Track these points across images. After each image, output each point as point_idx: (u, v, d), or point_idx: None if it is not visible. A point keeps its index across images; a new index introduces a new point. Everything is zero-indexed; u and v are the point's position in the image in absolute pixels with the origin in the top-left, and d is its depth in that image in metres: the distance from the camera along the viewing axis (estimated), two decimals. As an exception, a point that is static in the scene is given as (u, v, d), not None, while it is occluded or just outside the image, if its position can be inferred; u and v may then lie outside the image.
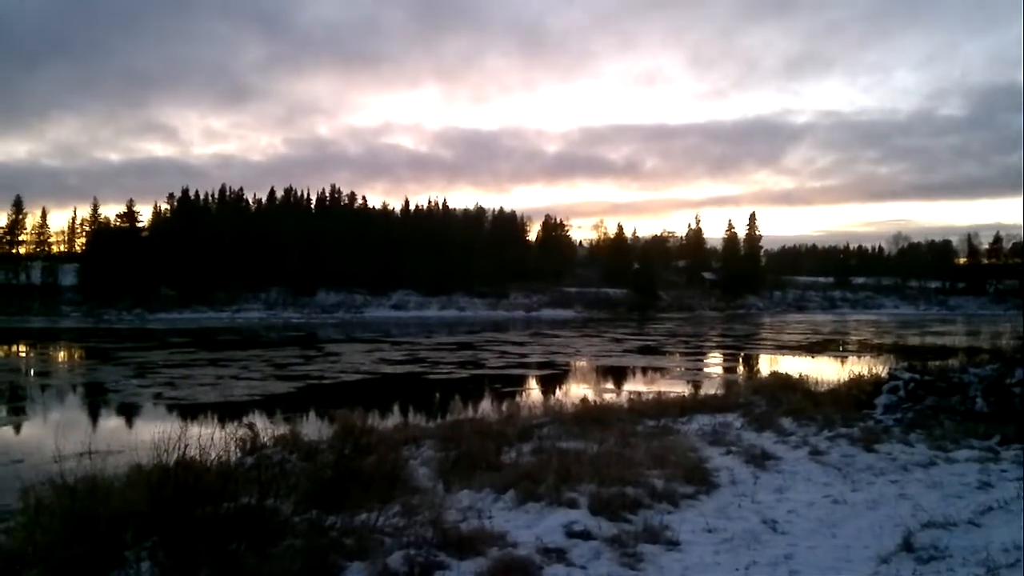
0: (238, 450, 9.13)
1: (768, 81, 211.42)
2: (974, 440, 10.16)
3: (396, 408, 18.73)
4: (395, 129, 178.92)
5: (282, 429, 11.56)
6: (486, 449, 8.91)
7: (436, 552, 5.56)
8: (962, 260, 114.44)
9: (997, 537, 5.72)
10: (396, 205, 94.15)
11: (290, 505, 6.63)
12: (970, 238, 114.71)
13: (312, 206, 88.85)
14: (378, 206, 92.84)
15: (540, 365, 31.00)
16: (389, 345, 39.55)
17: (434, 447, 9.68)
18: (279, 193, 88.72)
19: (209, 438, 8.54)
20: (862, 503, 7.29)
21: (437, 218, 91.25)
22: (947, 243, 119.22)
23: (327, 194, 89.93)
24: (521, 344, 41.10)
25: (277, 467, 8.32)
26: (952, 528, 6.08)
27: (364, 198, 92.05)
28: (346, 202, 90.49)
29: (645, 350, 38.19)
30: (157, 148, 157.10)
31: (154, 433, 7.03)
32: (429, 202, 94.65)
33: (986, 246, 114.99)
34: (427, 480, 8.07)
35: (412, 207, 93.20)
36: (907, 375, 13.20)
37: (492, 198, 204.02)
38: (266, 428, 11.33)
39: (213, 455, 8.06)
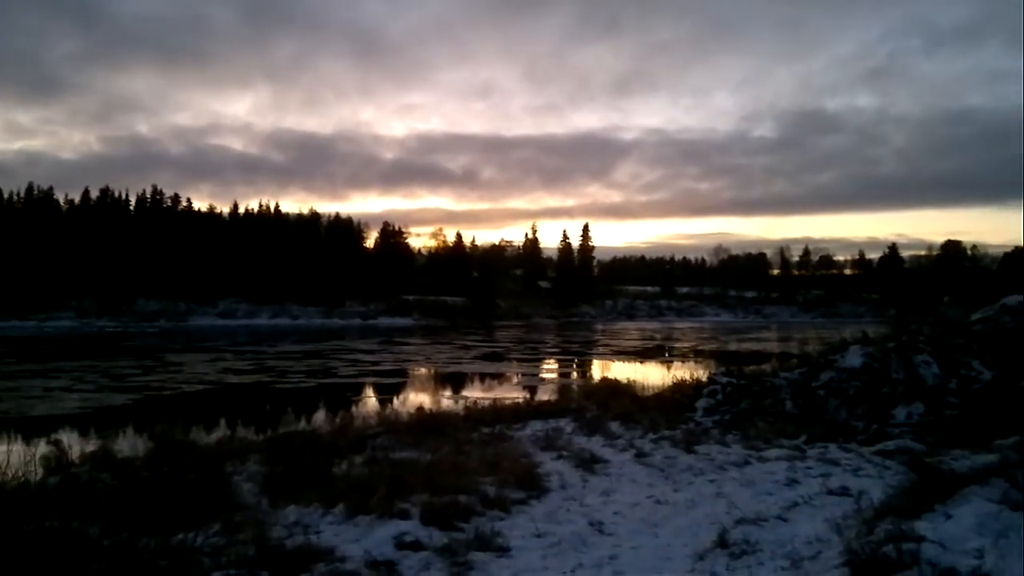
0: (41, 469, 8.42)
1: (599, 98, 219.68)
2: (784, 440, 10.87)
3: (227, 421, 17.87)
4: (223, 130, 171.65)
5: (94, 445, 10.78)
6: (316, 462, 8.65)
7: (258, 571, 5.34)
8: (775, 272, 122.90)
9: (801, 531, 6.12)
10: (224, 209, 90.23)
11: (98, 527, 6.17)
12: (783, 251, 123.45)
13: (132, 208, 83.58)
14: (204, 209, 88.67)
15: (390, 373, 30.67)
16: (232, 354, 37.87)
17: (261, 461, 9.28)
18: (94, 193, 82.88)
19: (5, 456, 7.85)
20: (682, 502, 7.63)
21: (268, 223, 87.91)
22: (762, 255, 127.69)
23: (148, 196, 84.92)
24: (371, 352, 40.48)
25: (86, 487, 7.75)
26: (763, 523, 6.46)
27: (189, 201, 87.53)
28: (169, 204, 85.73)
29: (491, 357, 38.60)
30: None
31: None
32: (260, 206, 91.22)
33: (796, 259, 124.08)
34: (252, 496, 7.73)
35: (242, 211, 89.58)
36: (725, 379, 13.96)
37: (327, 204, 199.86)
38: (75, 444, 10.52)
39: (10, 475, 7.43)
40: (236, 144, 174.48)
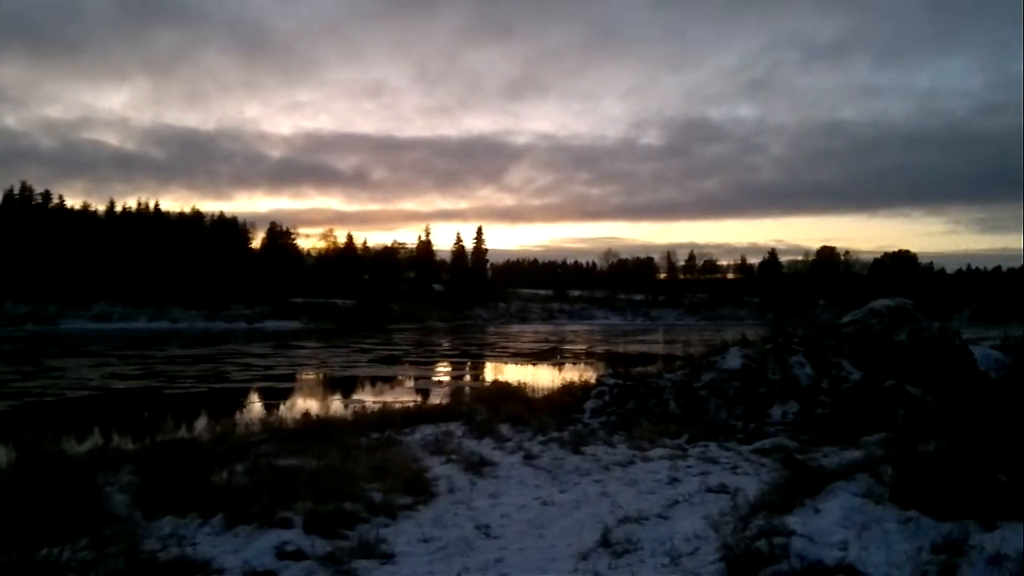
0: None
1: (491, 102, 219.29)
2: (667, 439, 11.17)
3: (105, 428, 17.10)
4: (97, 124, 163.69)
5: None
6: (194, 471, 8.32)
7: (128, 587, 5.09)
8: (663, 275, 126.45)
9: (681, 528, 6.30)
10: (100, 207, 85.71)
11: (-50, 547, 5.75)
12: (669, 256, 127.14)
13: (-4, 206, 78.50)
14: (78, 207, 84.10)
15: (284, 377, 29.99)
16: (118, 359, 36.07)
17: (135, 471, 8.87)
18: (-43, 189, 77.47)
19: None
20: (568, 503, 7.72)
21: (148, 222, 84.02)
22: (650, 260, 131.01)
23: (16, 192, 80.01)
24: (264, 356, 39.34)
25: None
26: (644, 522, 6.61)
27: (61, 198, 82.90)
28: (39, 202, 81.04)
29: (387, 360, 38.20)
30: None
31: None
32: (139, 204, 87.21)
33: (682, 263, 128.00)
34: (124, 508, 7.36)
35: (119, 209, 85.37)
36: (612, 381, 14.24)
37: (211, 203, 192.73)
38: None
39: None
40: (112, 139, 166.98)
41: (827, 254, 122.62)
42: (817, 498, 6.01)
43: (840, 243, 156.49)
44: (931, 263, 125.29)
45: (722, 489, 7.82)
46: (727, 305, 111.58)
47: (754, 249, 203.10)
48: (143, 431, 15.92)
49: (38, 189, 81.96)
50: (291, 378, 30.15)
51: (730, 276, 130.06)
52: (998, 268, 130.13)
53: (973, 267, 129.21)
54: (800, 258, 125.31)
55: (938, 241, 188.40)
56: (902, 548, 4.87)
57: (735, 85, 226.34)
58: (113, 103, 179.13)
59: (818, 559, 4.76)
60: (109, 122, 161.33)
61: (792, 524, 5.44)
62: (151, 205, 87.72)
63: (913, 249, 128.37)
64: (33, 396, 22.47)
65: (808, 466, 6.87)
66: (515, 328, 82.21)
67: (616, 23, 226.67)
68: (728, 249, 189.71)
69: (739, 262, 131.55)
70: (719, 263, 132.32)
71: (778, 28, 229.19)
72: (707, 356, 14.70)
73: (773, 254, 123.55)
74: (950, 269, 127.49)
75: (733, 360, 13.72)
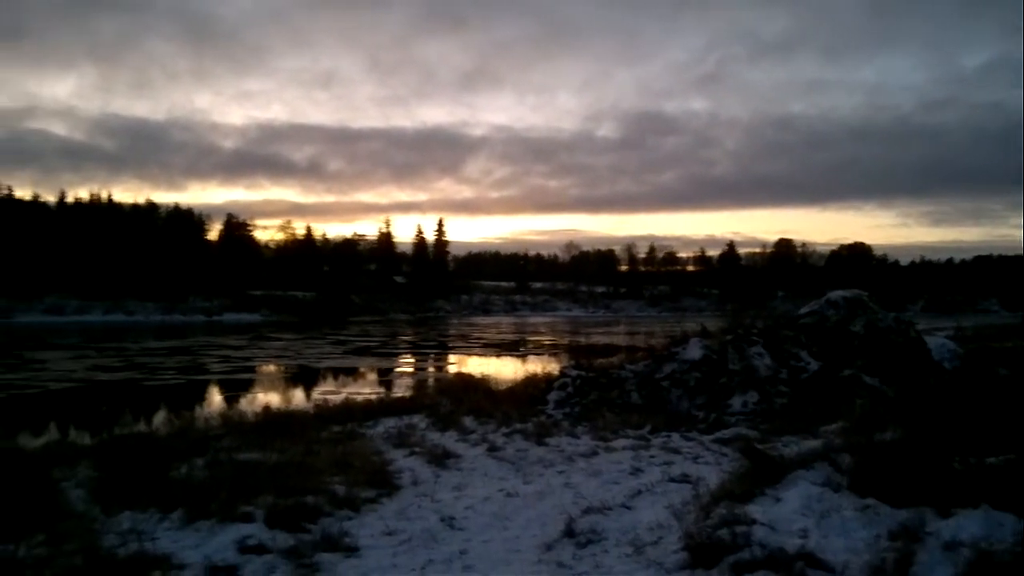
0: None
1: (446, 92, 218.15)
2: (630, 430, 11.24)
3: (65, 422, 16.91)
4: (42, 113, 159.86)
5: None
6: (153, 465, 8.19)
7: (86, 584, 5.00)
8: (624, 268, 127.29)
9: (644, 518, 6.36)
10: (51, 198, 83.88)
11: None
12: (630, 248, 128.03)
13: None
14: (28, 198, 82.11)
15: (260, 369, 30.25)
16: (96, 352, 35.63)
17: (92, 466, 8.71)
18: None
19: None
20: (532, 494, 7.74)
21: (101, 213, 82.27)
22: (611, 252, 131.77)
23: (-40, 184, 77.87)
24: (241, 348, 39.32)
25: None
26: (608, 512, 6.66)
27: (10, 189, 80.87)
28: (-14, 193, 79.03)
29: (363, 352, 38.26)
30: None
31: None
32: (91, 196, 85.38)
33: (643, 255, 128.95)
34: (82, 503, 7.22)
35: (70, 200, 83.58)
36: (575, 372, 14.30)
37: (164, 194, 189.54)
38: None
39: None
40: (59, 129, 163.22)
41: (784, 246, 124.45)
42: (778, 487, 6.10)
43: (795, 235, 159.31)
44: (885, 255, 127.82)
45: (684, 479, 7.91)
46: (688, 297, 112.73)
47: (712, 241, 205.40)
48: (104, 425, 15.75)
49: (-16, 180, 79.79)
50: (267, 369, 30.25)
51: (690, 268, 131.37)
52: (950, 260, 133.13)
53: (926, 259, 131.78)
54: (758, 250, 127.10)
55: (889, 233, 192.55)
56: (860, 535, 4.97)
57: (687, 79, 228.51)
58: (59, 92, 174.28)
59: (779, 547, 4.84)
60: (55, 111, 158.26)
61: (753, 513, 5.52)
62: (104, 196, 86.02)
63: (866, 241, 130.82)
64: (16, 388, 22.35)
65: (768, 455, 6.97)
66: (478, 320, 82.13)
67: (568, 17, 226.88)
68: (687, 241, 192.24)
69: (698, 254, 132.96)
70: (679, 255, 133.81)
71: (722, 24, 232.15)
72: (668, 347, 14.81)
73: (732, 246, 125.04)
74: (904, 261, 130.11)
75: (694, 351, 13.85)
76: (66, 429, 15.96)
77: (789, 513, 5.50)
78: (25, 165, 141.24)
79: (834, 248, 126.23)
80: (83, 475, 8.47)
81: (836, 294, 15.98)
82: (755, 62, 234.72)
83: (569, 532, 6.06)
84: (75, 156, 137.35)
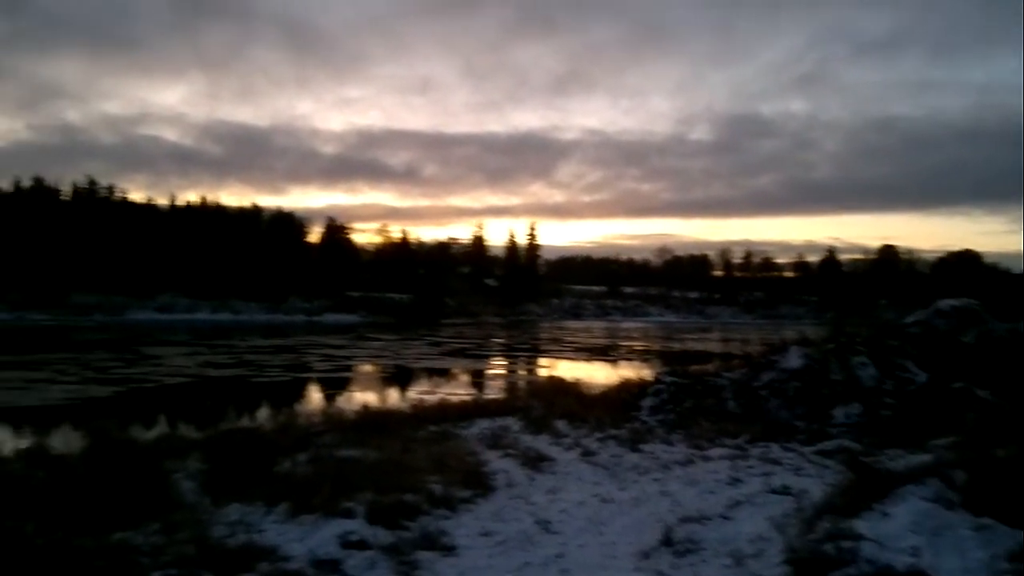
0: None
1: (538, 97, 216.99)
2: (726, 439, 11.03)
3: (174, 416, 17.87)
4: (155, 120, 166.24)
5: (27, 442, 10.48)
6: (258, 460, 8.50)
7: (200, 571, 5.24)
8: (718, 273, 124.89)
9: (744, 529, 6.23)
10: (162, 201, 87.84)
11: (33, 525, 5.98)
12: (724, 253, 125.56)
13: (65, 199, 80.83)
14: (142, 201, 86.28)
15: (360, 368, 31.49)
16: (207, 348, 37.47)
17: (202, 458, 9.10)
18: (26, 183, 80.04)
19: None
20: (628, 501, 7.69)
21: (208, 216, 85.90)
22: (705, 257, 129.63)
23: (83, 186, 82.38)
24: (342, 348, 40.72)
25: (19, 483, 7.50)
26: (706, 522, 6.55)
27: (124, 192, 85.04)
28: (105, 195, 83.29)
29: (459, 353, 38.97)
30: None
31: None
32: (200, 199, 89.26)
33: (738, 260, 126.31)
34: (192, 494, 7.56)
35: (180, 203, 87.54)
36: (669, 379, 14.13)
37: (266, 198, 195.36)
38: (7, 442, 10.23)
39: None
40: (169, 135, 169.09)
41: (888, 253, 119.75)
42: (885, 502, 5.88)
43: (899, 241, 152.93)
44: (995, 263, 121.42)
45: (785, 491, 7.70)
46: (785, 304, 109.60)
47: (811, 247, 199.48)
48: (212, 419, 16.60)
49: (102, 183, 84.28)
50: (366, 369, 31.39)
51: (787, 274, 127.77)
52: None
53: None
54: (859, 256, 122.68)
55: (1000, 240, 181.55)
56: (977, 555, 4.75)
57: (784, 80, 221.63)
58: (170, 99, 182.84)
59: (888, 564, 4.67)
60: (166, 118, 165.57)
61: (860, 528, 5.34)
62: (211, 200, 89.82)
63: (975, 248, 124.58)
64: (135, 382, 23.71)
65: (875, 468, 6.72)
66: (569, 324, 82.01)
67: (660, 19, 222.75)
68: (784, 247, 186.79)
69: (796, 260, 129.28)
70: (775, 261, 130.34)
71: (824, 22, 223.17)
72: (766, 355, 14.47)
73: (832, 252, 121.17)
74: (1016, 269, 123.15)
75: (794, 359, 13.49)
76: (177, 422, 16.80)
77: (898, 529, 5.30)
78: (139, 169, 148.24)
79: (941, 255, 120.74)
80: (193, 467, 8.85)
81: (946, 303, 15.30)
82: (857, 61, 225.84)
83: (667, 540, 6.00)
84: (184, 161, 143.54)
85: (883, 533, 5.23)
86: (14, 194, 79.06)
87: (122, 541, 5.77)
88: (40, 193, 79.57)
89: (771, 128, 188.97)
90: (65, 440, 10.17)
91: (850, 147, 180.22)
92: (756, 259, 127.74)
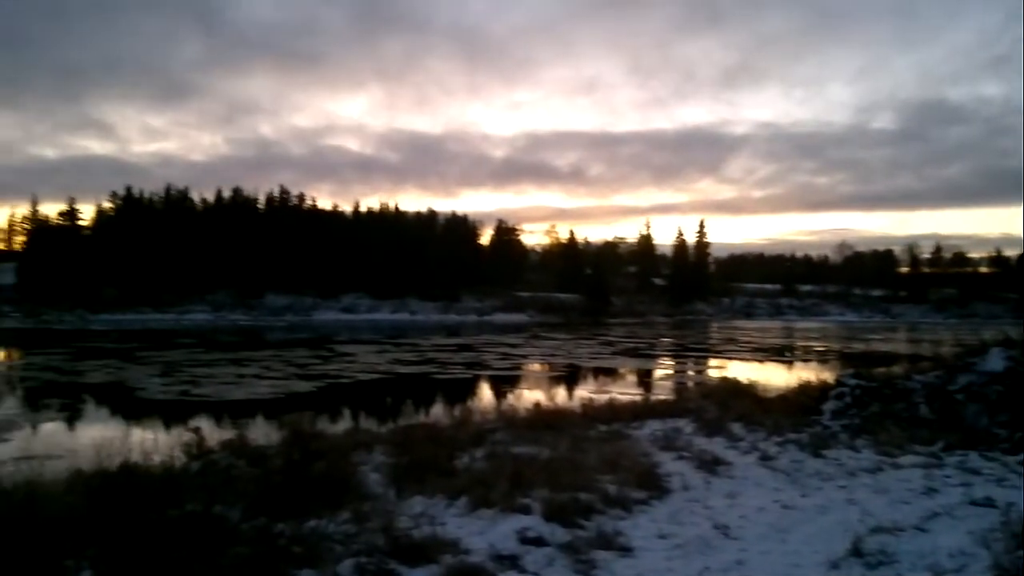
0: (183, 455, 8.94)
1: (706, 91, 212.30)
2: (918, 446, 10.36)
3: (362, 411, 18.98)
4: (338, 130, 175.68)
5: (229, 433, 11.35)
6: (438, 454, 8.82)
7: (387, 560, 5.48)
8: (904, 269, 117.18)
9: (944, 542, 5.82)
10: (347, 207, 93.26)
11: (238, 512, 6.48)
12: (911, 248, 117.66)
13: (260, 207, 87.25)
14: (328, 208, 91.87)
15: (535, 366, 32.49)
16: (393, 347, 39.84)
17: (386, 452, 9.55)
18: (226, 193, 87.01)
19: (153, 442, 8.34)
20: (812, 508, 7.38)
21: (388, 221, 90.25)
22: (889, 252, 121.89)
23: (276, 195, 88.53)
24: (518, 346, 42.17)
25: (224, 473, 8.16)
26: (900, 533, 6.18)
27: (313, 200, 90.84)
28: (295, 203, 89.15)
29: (631, 353, 39.13)
30: (94, 145, 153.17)
31: (100, 437, 6.84)
32: (380, 205, 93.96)
33: (926, 255, 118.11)
34: (378, 486, 7.95)
35: (363, 209, 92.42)
36: (853, 381, 13.42)
37: (441, 202, 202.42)
38: (214, 432, 11.14)
39: (157, 460, 7.90)
40: (352, 144, 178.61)
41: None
42: (1110, 520, 5.34)
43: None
44: None
45: (989, 503, 7.13)
46: (979, 301, 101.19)
47: (1008, 240, 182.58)
48: (395, 413, 17.55)
49: (293, 192, 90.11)
50: (541, 367, 32.16)
51: (982, 270, 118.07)
52: None
53: None
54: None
55: None
56: None
57: (976, 63, 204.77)
58: (351, 110, 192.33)
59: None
60: (349, 128, 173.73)
61: (1080, 547, 4.87)
62: (392, 205, 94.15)
63: None
64: (331, 378, 25.52)
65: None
66: (740, 324, 79.57)
67: (837, 3, 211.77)
68: (978, 240, 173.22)
69: (993, 254, 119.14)
70: (968, 255, 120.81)
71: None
72: (963, 357, 13.46)
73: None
74: None
75: (995, 362, 12.46)
76: (366, 416, 17.79)
77: None
78: (325, 178, 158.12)
79: None
80: (378, 460, 9.30)
81: None
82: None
83: (856, 551, 5.69)
84: (365, 168, 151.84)
85: (1109, 554, 4.75)
86: (216, 204, 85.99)
87: (316, 528, 6.14)
88: (238, 202, 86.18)
89: (961, 114, 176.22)
90: (265, 432, 10.93)
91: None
92: (946, 254, 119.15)
